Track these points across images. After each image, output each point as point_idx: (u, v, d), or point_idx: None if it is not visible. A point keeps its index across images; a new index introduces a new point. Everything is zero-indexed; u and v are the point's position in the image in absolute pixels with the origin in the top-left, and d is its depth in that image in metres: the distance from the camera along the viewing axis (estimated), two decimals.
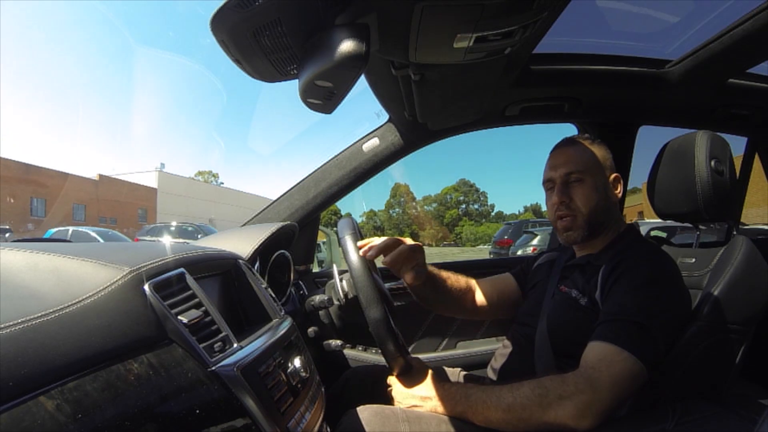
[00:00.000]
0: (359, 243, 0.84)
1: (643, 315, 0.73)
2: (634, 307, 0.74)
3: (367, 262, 0.82)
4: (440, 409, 0.78)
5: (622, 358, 0.69)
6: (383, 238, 0.88)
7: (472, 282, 1.07)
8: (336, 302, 1.05)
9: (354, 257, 0.79)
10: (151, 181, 27.92)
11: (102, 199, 23.65)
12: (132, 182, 26.92)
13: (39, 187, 20.17)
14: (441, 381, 0.81)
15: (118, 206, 24.81)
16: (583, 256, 0.93)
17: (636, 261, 0.81)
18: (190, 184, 32.60)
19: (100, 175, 24.61)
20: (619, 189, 0.93)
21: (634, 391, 0.70)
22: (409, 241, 0.90)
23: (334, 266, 1.11)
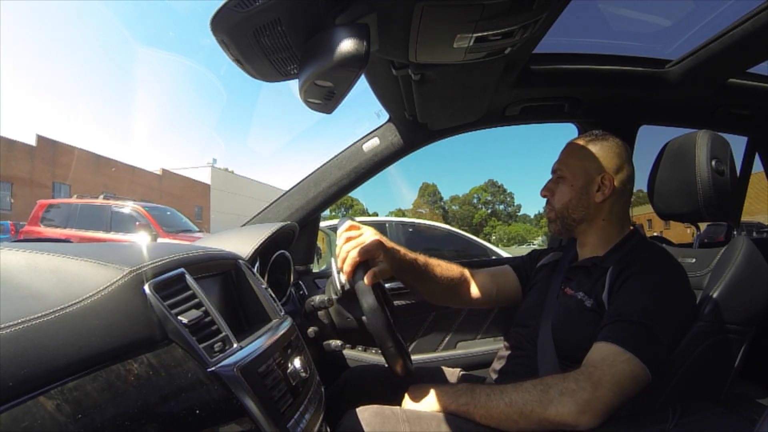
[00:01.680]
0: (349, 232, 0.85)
1: (650, 317, 0.73)
2: (641, 309, 0.74)
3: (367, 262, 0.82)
4: (443, 400, 0.78)
5: (625, 359, 0.69)
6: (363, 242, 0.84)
7: (467, 272, 1.05)
8: (334, 296, 1.02)
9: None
10: (203, 176, 26.86)
11: (164, 195, 22.20)
12: (189, 177, 25.70)
13: (108, 180, 18.95)
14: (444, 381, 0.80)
15: (178, 203, 22.94)
16: (588, 258, 0.92)
17: (647, 264, 0.81)
18: (239, 181, 30.88)
19: (163, 170, 23.50)
20: (608, 187, 0.88)
21: (636, 391, 0.70)
22: (369, 232, 0.87)
23: (333, 260, 1.06)
